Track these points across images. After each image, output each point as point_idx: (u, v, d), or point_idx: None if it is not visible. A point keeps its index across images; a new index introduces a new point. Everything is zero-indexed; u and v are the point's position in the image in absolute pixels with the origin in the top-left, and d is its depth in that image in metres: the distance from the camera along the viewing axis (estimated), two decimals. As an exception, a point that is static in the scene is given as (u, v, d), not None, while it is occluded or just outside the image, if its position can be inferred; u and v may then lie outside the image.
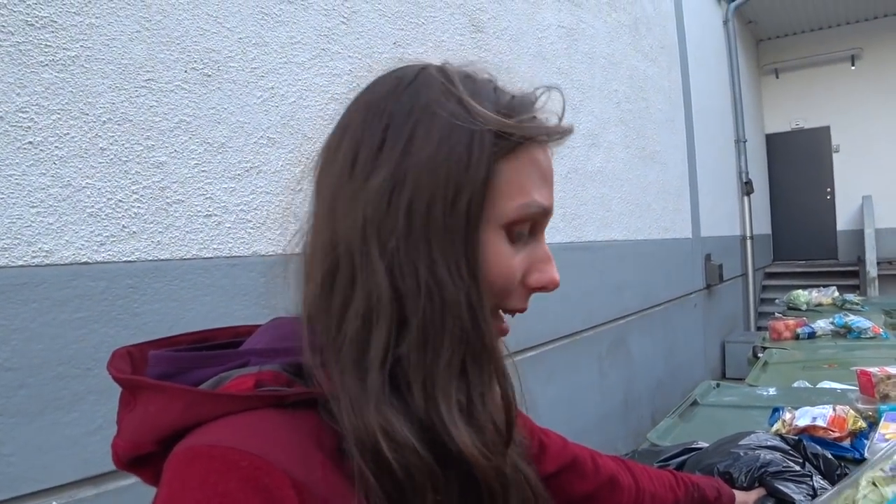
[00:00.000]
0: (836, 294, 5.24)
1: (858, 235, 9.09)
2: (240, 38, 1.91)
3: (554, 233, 3.20)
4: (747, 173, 8.29)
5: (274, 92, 2.00)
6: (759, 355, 3.47)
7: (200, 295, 1.71)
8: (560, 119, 0.63)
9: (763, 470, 1.40)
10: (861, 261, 8.82)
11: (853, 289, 7.91)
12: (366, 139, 0.58)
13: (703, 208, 6.42)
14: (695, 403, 2.33)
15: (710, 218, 6.64)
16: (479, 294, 0.57)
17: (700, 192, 6.33)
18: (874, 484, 0.98)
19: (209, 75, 1.82)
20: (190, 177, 1.74)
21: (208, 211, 1.77)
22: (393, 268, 0.55)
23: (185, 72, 1.75)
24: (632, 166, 4.54)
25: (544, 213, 0.62)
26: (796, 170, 10.31)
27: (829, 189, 10.13)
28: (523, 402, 0.65)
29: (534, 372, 3.08)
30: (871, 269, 8.43)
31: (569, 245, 3.38)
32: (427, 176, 0.55)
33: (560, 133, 0.62)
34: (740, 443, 1.49)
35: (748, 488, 1.38)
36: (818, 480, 1.43)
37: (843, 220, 9.92)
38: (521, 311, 0.63)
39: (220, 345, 0.64)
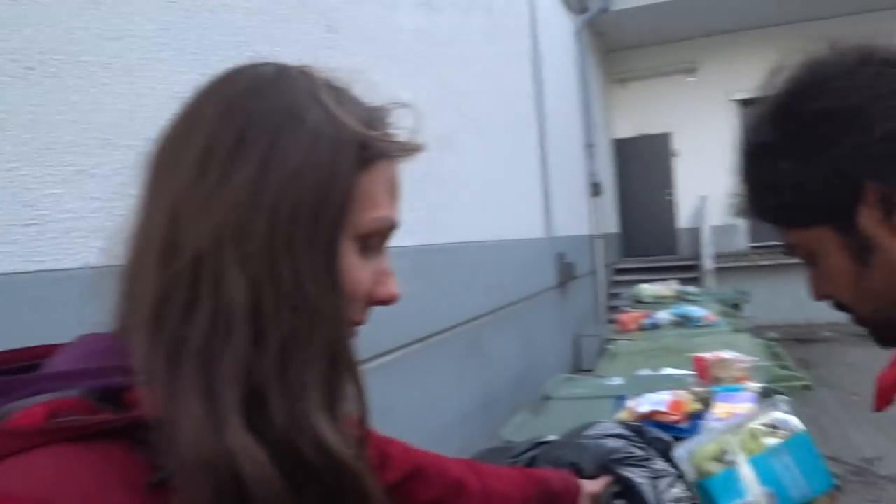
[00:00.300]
0: (677, 286, 5.64)
1: (696, 233, 9.86)
2: (66, 29, 1.76)
3: (409, 236, 3.21)
4: (596, 176, 8.76)
5: (108, 89, 1.86)
6: (608, 347, 3.66)
7: (20, 313, 1.56)
8: (410, 135, 0.64)
9: (608, 458, 1.47)
10: (698, 256, 9.57)
11: (693, 281, 8.55)
12: (221, 137, 0.53)
13: (556, 209, 6.70)
14: (547, 397, 2.42)
15: (562, 218, 6.94)
16: (344, 306, 0.56)
17: (552, 194, 6.60)
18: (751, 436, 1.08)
19: (31, 68, 1.66)
20: (7, 182, 1.58)
21: (28, 220, 1.62)
22: (253, 277, 0.52)
23: (2, 64, 1.59)
24: (486, 169, 4.64)
25: (392, 228, 0.62)
26: (641, 172, 11.04)
27: (669, 191, 10.92)
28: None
29: (390, 377, 3.07)
30: (708, 263, 9.16)
31: (424, 248, 3.39)
32: (293, 183, 0.53)
33: (414, 150, 0.63)
34: (587, 433, 1.55)
35: (595, 477, 1.44)
36: (659, 462, 1.51)
37: (683, 218, 10.74)
38: (361, 323, 0.63)
39: (14, 369, 0.56)
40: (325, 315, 0.54)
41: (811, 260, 0.79)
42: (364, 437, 0.61)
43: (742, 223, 10.31)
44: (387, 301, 0.63)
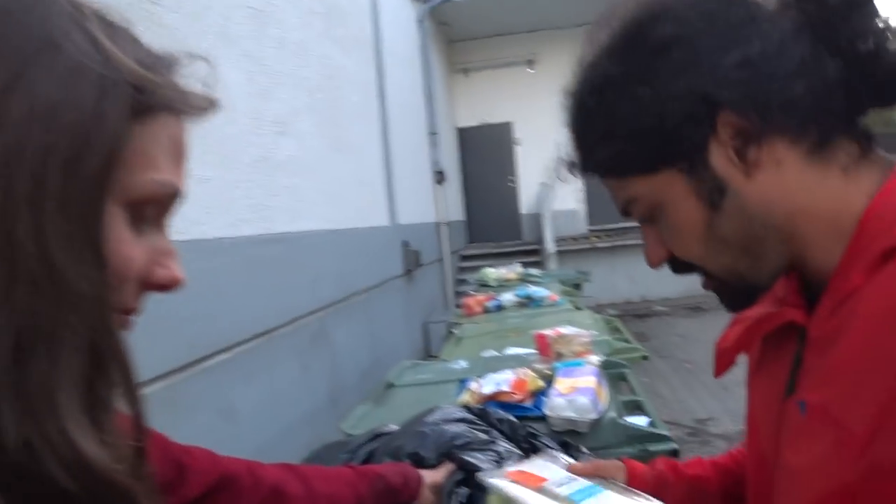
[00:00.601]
0: (521, 269, 5.75)
1: (538, 218, 10.20)
2: None
3: (242, 225, 2.97)
4: (439, 164, 8.78)
5: None
6: (453, 331, 3.61)
7: None
8: (204, 90, 0.51)
9: (450, 444, 1.37)
10: (541, 239, 9.92)
11: (536, 264, 8.83)
12: None
13: (400, 197, 6.62)
14: (390, 386, 2.30)
15: (406, 206, 6.87)
16: (108, 287, 0.43)
17: (396, 182, 6.51)
18: None
19: None
20: None
21: None
22: None
23: None
24: (325, 155, 4.45)
25: (175, 197, 0.49)
26: (484, 160, 11.26)
27: (511, 178, 11.23)
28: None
29: (231, 375, 2.84)
30: (550, 246, 9.51)
31: (258, 238, 3.16)
32: (42, 124, 0.41)
33: (207, 105, 0.51)
34: (427, 420, 1.44)
35: (438, 465, 1.34)
36: (503, 444, 1.43)
37: (526, 204, 11.08)
38: (132, 311, 0.49)
39: None
40: (81, 296, 0.41)
41: (654, 213, 0.70)
42: (142, 448, 0.48)
43: (582, 208, 10.82)
44: (167, 286, 0.51)
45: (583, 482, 0.88)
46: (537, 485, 0.87)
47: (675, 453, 1.75)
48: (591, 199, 10.80)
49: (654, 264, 0.75)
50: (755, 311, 0.74)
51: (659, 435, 1.78)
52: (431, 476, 1.26)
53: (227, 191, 2.88)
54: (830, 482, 0.59)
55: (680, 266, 0.73)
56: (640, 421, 1.91)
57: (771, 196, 0.64)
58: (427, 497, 1.24)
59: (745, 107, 0.60)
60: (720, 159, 0.64)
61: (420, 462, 1.32)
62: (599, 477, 0.92)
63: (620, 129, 0.67)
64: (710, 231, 0.67)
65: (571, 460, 0.98)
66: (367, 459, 1.41)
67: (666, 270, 0.75)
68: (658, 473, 0.95)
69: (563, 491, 0.84)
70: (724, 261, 0.68)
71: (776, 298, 0.72)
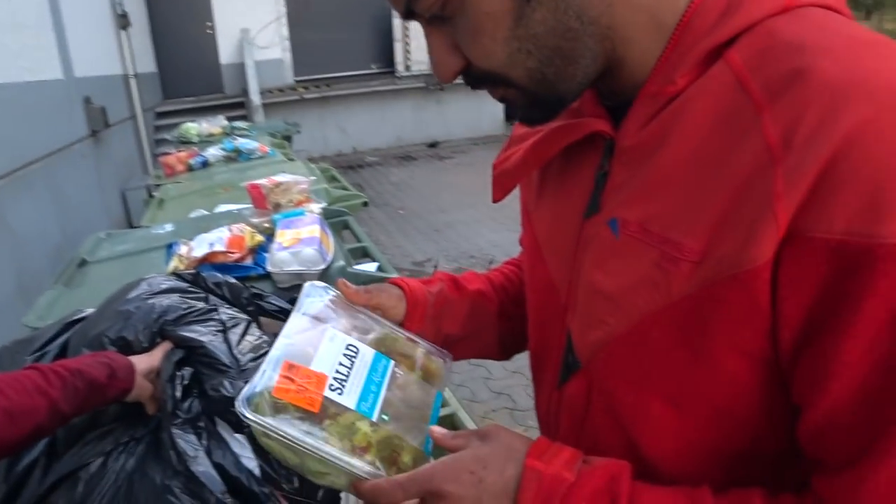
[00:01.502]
0: (225, 122, 5.31)
1: (241, 68, 9.46)
2: None
3: None
4: (122, 5, 7.57)
5: None
6: (154, 194, 3.22)
7: None
8: None
9: (162, 321, 1.16)
10: (246, 91, 9.27)
11: (241, 118, 8.29)
12: None
13: (74, 45, 5.60)
14: (83, 263, 1.95)
15: (83, 56, 5.86)
16: None
17: (67, 26, 5.47)
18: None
19: None
20: None
21: None
22: None
23: None
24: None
25: None
26: (176, 3, 9.96)
27: (209, 23, 10.14)
28: None
29: None
30: (255, 99, 8.94)
31: None
32: None
33: None
34: (129, 297, 1.21)
35: (151, 347, 1.14)
36: (226, 311, 1.27)
37: (226, 53, 10.15)
38: None
39: None
40: None
41: (450, 8, 0.55)
42: None
43: (287, 56, 10.24)
44: None
45: (365, 360, 0.70)
46: (317, 395, 0.64)
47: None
48: (297, 47, 10.26)
49: (446, 77, 0.60)
50: (547, 127, 0.64)
51: (389, 279, 1.74)
52: (145, 361, 1.07)
53: None
54: (655, 302, 0.54)
55: (477, 77, 0.60)
56: (369, 267, 1.86)
57: None
58: (143, 386, 1.05)
59: None
60: None
61: (128, 347, 1.11)
62: (376, 314, 0.77)
63: None
64: (518, 28, 0.54)
65: (340, 287, 0.77)
66: (60, 355, 1.15)
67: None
68: (440, 295, 0.84)
69: (349, 399, 0.66)
70: (531, 64, 0.56)
71: (569, 111, 0.63)
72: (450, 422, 1.27)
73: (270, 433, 0.61)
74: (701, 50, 0.53)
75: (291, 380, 0.64)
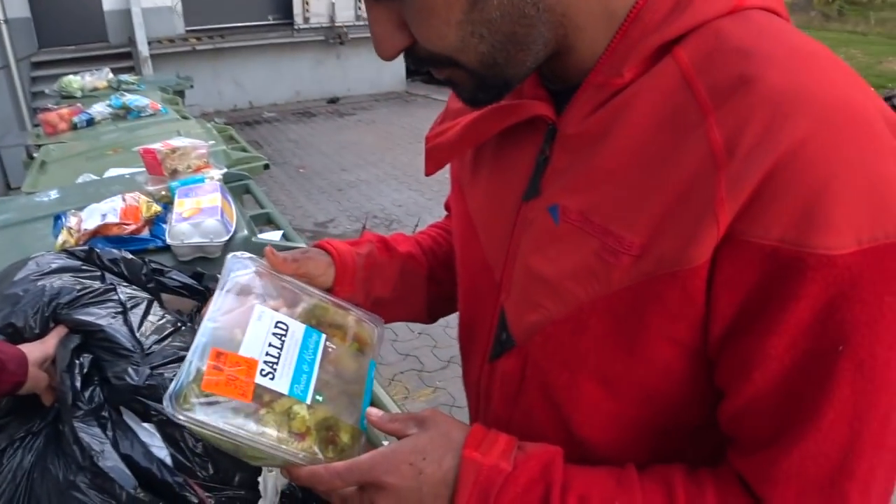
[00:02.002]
0: (111, 76, 4.97)
1: (127, 15, 8.84)
2: None
3: None
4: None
5: None
6: (35, 155, 2.99)
7: None
8: None
9: (55, 304, 1.09)
10: (132, 41, 8.69)
11: (128, 70, 7.78)
12: None
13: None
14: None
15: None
16: None
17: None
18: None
19: None
20: None
21: None
22: None
23: None
24: None
25: None
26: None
27: (85, -35, 9.38)
28: None
29: None
30: (143, 49, 8.41)
31: None
32: None
33: None
34: (16, 279, 1.13)
35: (44, 334, 1.06)
36: (124, 290, 1.20)
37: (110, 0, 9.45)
38: None
39: None
40: None
41: None
42: None
43: (177, 4, 9.64)
44: None
45: (295, 338, 0.67)
46: (248, 383, 0.62)
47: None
48: (187, -6, 9.69)
49: (388, 55, 0.58)
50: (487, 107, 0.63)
51: (295, 248, 1.70)
52: (38, 349, 1.00)
53: None
54: (594, 290, 0.55)
55: (423, 58, 0.57)
56: (274, 236, 1.81)
57: None
58: (38, 377, 0.98)
59: None
60: None
61: (18, 335, 1.04)
62: (304, 281, 0.75)
63: None
64: (473, 11, 0.52)
65: (267, 255, 0.73)
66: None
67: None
68: (369, 257, 0.83)
69: (281, 383, 0.63)
70: (483, 49, 0.54)
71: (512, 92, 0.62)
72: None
73: (204, 430, 0.59)
74: (649, 45, 0.54)
75: (220, 370, 0.62)
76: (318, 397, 0.65)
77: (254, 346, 0.65)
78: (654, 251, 0.51)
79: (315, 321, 0.71)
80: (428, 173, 0.73)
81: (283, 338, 0.67)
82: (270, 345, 0.66)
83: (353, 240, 0.85)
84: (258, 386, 0.62)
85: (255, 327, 0.66)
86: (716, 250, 0.48)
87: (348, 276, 0.79)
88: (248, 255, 0.74)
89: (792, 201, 0.45)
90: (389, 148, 6.91)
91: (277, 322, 0.68)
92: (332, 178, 6.31)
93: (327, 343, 0.70)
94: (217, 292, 0.69)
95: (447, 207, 0.93)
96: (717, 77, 0.50)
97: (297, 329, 0.69)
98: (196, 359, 0.62)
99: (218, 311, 0.67)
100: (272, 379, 0.63)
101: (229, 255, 0.73)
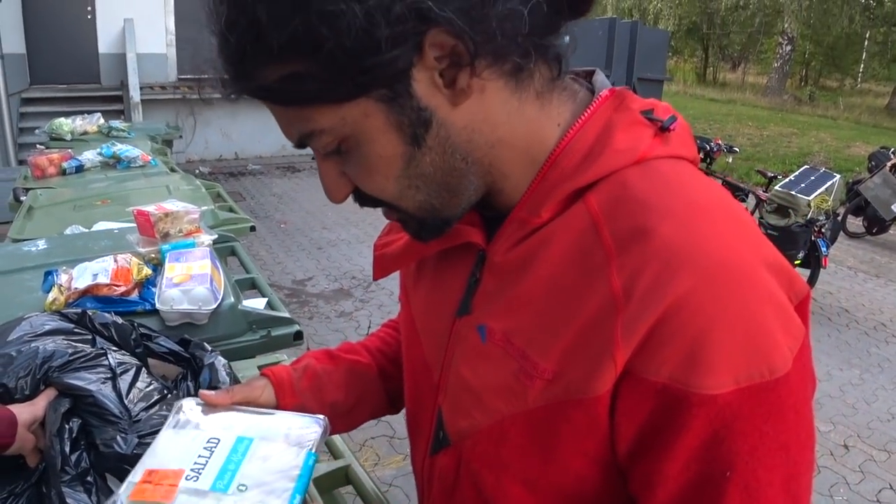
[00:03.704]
0: (102, 121, 5.04)
1: (121, 59, 8.99)
2: None
3: None
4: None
5: None
6: (22, 198, 3.02)
7: None
8: None
9: (47, 366, 1.13)
10: (125, 85, 8.80)
11: (118, 114, 7.89)
12: None
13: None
14: (-55, 281, 1.82)
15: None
16: None
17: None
18: None
19: None
20: None
21: None
22: None
23: None
24: None
25: None
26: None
27: (90, 8, 9.55)
28: None
29: None
30: (135, 94, 8.52)
31: None
32: None
33: None
34: (10, 338, 1.16)
35: (33, 396, 1.10)
36: (115, 356, 1.24)
37: (105, 42, 9.60)
38: None
39: None
40: None
41: (342, 146, 0.60)
42: None
43: (171, 52, 9.83)
44: None
45: (225, 446, 0.72)
46: (172, 488, 0.67)
47: (299, 335, 1.75)
48: (182, 43, 9.87)
49: (337, 199, 0.66)
50: None
51: (281, 318, 1.75)
52: (28, 411, 1.03)
53: None
54: (516, 407, 0.61)
55: (367, 200, 0.65)
56: (258, 304, 1.86)
57: (475, 126, 0.60)
58: (26, 438, 1.01)
59: (458, 24, 0.52)
60: (424, 86, 0.56)
61: (8, 395, 1.07)
62: (245, 406, 0.82)
63: (303, 44, 0.52)
64: (409, 168, 0.60)
65: (202, 398, 0.80)
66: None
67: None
68: (308, 371, 0.89)
69: (204, 482, 0.67)
70: (420, 198, 0.62)
71: None
72: (342, 474, 1.31)
73: None
74: (564, 190, 0.61)
75: (149, 482, 0.68)
76: (240, 487, 0.68)
77: (184, 460, 0.71)
78: (563, 378, 0.58)
79: (253, 433, 0.76)
80: (375, 279, 0.82)
81: (213, 449, 0.72)
82: (199, 455, 0.71)
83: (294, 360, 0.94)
84: (182, 489, 0.67)
85: (186, 446, 0.73)
86: (616, 383, 0.55)
87: (287, 388, 0.86)
88: (193, 397, 0.81)
89: (678, 345, 0.52)
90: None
91: (210, 438, 0.74)
92: (312, 235, 6.37)
93: (260, 443, 0.74)
94: (163, 430, 0.76)
95: (400, 308, 1.00)
96: (621, 225, 0.57)
97: (229, 438, 0.74)
98: (131, 478, 0.68)
99: (160, 447, 0.73)
100: (196, 481, 0.68)
101: (177, 402, 0.80)
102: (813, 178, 5.32)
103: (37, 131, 5.14)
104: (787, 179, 5.49)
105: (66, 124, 4.82)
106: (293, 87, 0.55)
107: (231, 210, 3.01)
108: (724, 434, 0.52)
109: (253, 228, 2.82)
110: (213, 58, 0.58)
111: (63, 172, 3.54)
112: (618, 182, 0.59)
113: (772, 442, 0.53)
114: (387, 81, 0.55)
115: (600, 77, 0.68)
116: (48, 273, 1.66)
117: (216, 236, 2.08)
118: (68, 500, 0.93)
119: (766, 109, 19.42)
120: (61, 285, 1.59)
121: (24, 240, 2.28)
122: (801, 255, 5.06)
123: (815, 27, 22.85)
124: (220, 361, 1.38)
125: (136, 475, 0.68)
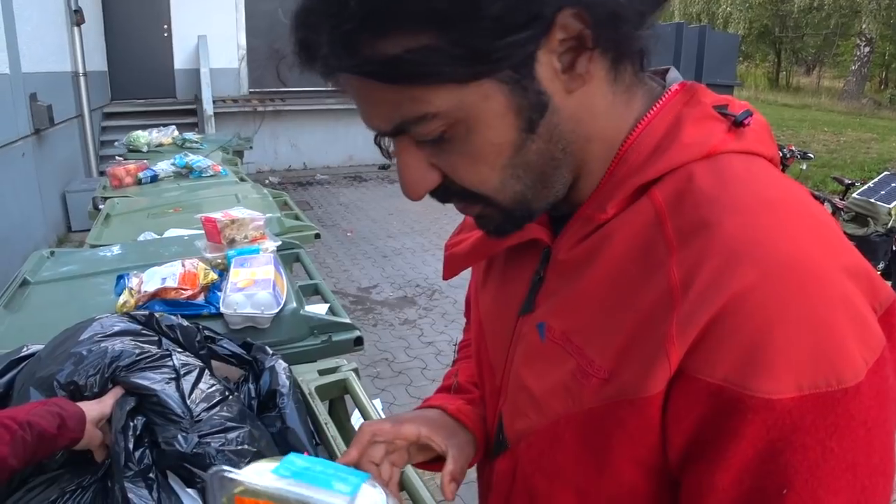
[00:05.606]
0: (176, 133, 5.24)
1: (195, 74, 9.32)
2: None
3: None
4: (77, 1, 7.40)
5: None
6: (101, 207, 3.16)
7: None
8: None
9: (115, 366, 1.17)
10: (198, 99, 9.12)
11: (192, 127, 8.16)
12: None
13: (23, 39, 5.47)
14: (25, 283, 1.91)
15: (33, 51, 5.72)
16: None
17: (18, 20, 5.33)
18: None
19: None
20: None
21: None
22: None
23: None
24: None
25: None
26: (132, 4, 9.76)
27: (166, 26, 9.98)
28: None
29: None
30: (208, 107, 8.82)
31: None
32: None
33: None
34: (81, 338, 1.21)
35: (102, 394, 1.14)
36: (179, 357, 1.27)
37: (181, 58, 9.99)
38: None
39: None
40: None
41: (452, 132, 0.55)
42: None
43: (242, 66, 10.15)
44: None
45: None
46: None
47: (359, 341, 1.76)
48: (254, 58, 10.17)
49: (417, 195, 0.60)
50: None
51: (341, 323, 1.77)
52: (96, 409, 1.07)
53: None
54: (571, 407, 0.59)
55: (455, 193, 0.61)
56: (320, 309, 1.88)
57: (580, 115, 0.58)
58: (93, 434, 1.05)
59: (588, 6, 0.51)
60: (546, 69, 0.54)
61: (78, 392, 1.11)
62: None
63: (442, 15, 0.49)
64: (516, 156, 0.57)
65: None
66: (4, 395, 1.15)
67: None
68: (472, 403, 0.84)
69: None
70: (518, 188, 0.59)
71: None
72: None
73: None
74: (631, 185, 0.59)
75: None
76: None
77: None
78: (618, 377, 0.55)
79: None
80: (445, 278, 0.81)
81: None
82: None
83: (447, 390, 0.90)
84: None
85: None
86: (669, 383, 0.52)
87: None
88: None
89: (736, 344, 0.48)
90: (436, 217, 7.03)
91: None
92: (378, 243, 6.44)
93: None
94: None
95: (466, 316, 0.98)
96: (685, 219, 0.54)
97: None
98: None
99: None
100: None
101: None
102: (894, 184, 5.07)
103: (116, 144, 5.37)
104: (865, 187, 5.25)
105: (142, 137, 5.03)
106: (419, 63, 0.51)
107: (297, 218, 3.07)
108: (782, 446, 0.48)
109: (317, 236, 2.86)
110: (302, 38, 0.56)
111: (139, 182, 3.68)
112: (684, 175, 0.57)
113: (837, 461, 0.48)
114: (516, 62, 0.52)
115: (673, 73, 0.66)
116: (120, 277, 1.73)
117: (280, 243, 2.12)
118: (130, 496, 0.96)
119: (842, 114, 18.59)
120: (132, 289, 1.65)
121: (101, 245, 2.38)
122: (881, 266, 4.81)
123: (895, 27, 21.84)
124: (281, 365, 1.41)
125: None
